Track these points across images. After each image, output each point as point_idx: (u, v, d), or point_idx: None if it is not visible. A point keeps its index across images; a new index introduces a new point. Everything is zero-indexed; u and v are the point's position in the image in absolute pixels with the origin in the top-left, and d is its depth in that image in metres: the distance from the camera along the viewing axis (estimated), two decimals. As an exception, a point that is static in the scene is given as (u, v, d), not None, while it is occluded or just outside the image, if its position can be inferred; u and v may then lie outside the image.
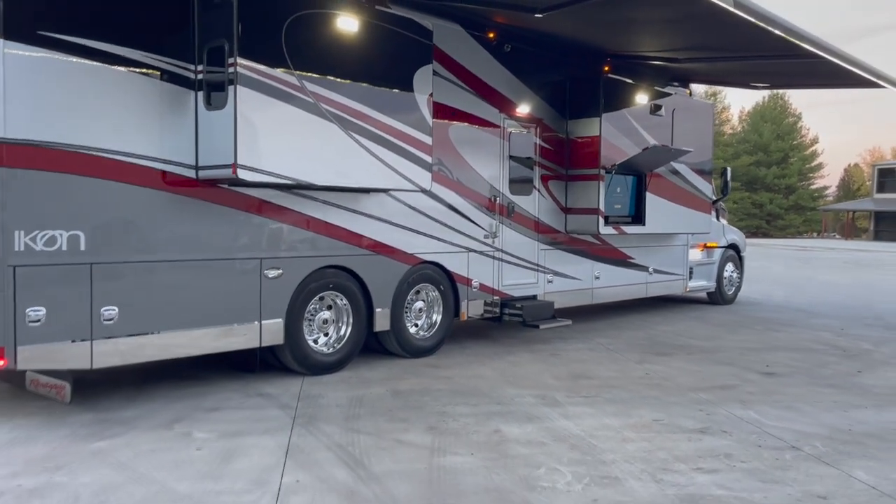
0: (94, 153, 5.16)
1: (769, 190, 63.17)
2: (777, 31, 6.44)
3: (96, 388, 5.99)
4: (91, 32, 5.12)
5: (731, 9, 5.76)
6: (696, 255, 11.69)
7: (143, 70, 5.41)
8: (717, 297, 12.37)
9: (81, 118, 5.10)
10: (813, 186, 66.37)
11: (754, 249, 36.39)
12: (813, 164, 66.24)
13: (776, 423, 5.41)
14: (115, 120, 5.27)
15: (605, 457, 4.59)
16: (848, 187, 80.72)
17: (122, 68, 5.29)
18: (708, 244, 12.00)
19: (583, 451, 4.68)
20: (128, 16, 5.37)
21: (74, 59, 5.05)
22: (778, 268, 23.22)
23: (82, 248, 5.09)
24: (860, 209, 62.80)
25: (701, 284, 11.94)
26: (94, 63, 5.15)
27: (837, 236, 63.89)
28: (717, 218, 12.34)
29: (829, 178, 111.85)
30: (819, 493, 4.07)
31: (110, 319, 5.22)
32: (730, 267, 12.59)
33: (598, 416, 5.49)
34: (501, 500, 3.89)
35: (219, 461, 4.39)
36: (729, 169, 12.21)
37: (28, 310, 4.85)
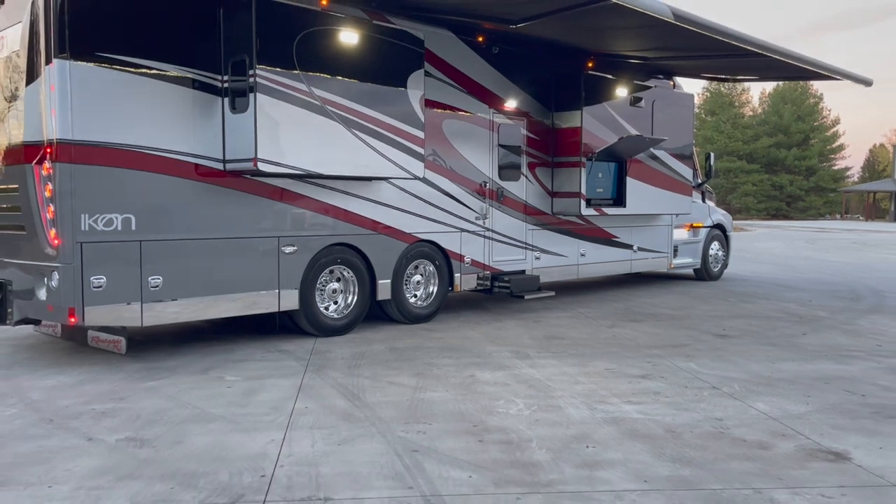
0: (142, 150, 6.31)
1: (789, 172, 63.25)
2: (717, 36, 7.41)
3: (144, 345, 7.22)
4: (138, 52, 6.26)
5: (673, 21, 6.75)
6: (681, 234, 12.65)
7: (180, 81, 6.54)
8: (703, 274, 13.33)
9: (131, 122, 6.25)
10: (835, 168, 66.26)
11: (768, 231, 37.03)
12: (834, 146, 66.09)
13: (709, 371, 6.44)
14: (158, 122, 6.42)
15: (556, 394, 5.67)
16: (873, 168, 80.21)
17: (163, 80, 6.43)
18: (694, 224, 12.95)
19: (538, 390, 5.77)
20: (167, 38, 6.51)
21: (125, 73, 6.20)
22: (782, 248, 23.95)
23: (133, 228, 6.26)
24: (881, 190, 62.63)
25: (686, 262, 12.91)
26: (141, 76, 6.30)
27: (861, 218, 63.82)
28: (703, 200, 13.26)
29: (853, 159, 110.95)
30: (718, 417, 5.11)
31: (156, 286, 6.40)
32: (715, 245, 13.52)
33: (559, 367, 6.56)
34: (463, 419, 5.00)
35: (245, 395, 5.56)
36: (713, 154, 13.08)
37: (92, 278, 6.03)
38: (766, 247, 24.44)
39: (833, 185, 63.93)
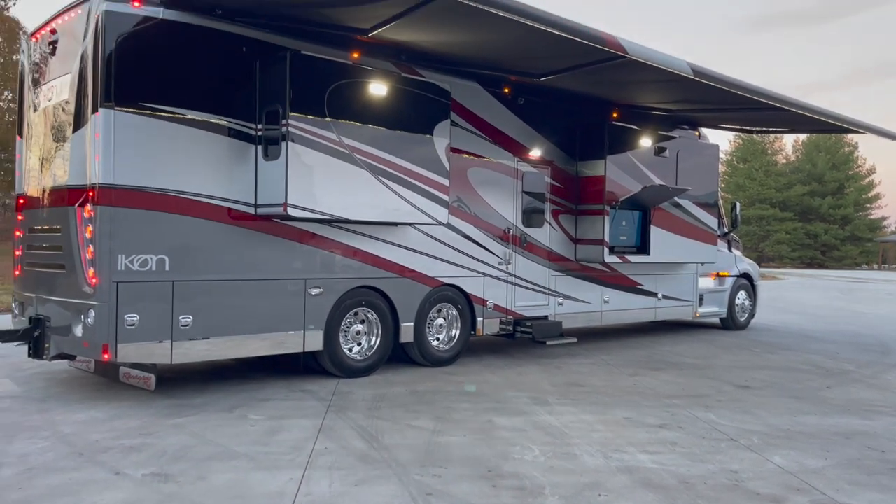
0: (178, 195, 6.61)
1: (824, 220, 62.52)
2: (736, 91, 7.58)
3: (173, 382, 7.43)
4: (179, 102, 6.61)
5: (692, 77, 6.94)
6: (707, 282, 12.63)
7: (217, 129, 6.86)
8: (730, 323, 13.24)
9: (169, 167, 6.56)
10: (871, 217, 65.34)
11: (801, 280, 36.50)
12: (870, 195, 65.29)
13: (728, 422, 6.43)
14: (194, 168, 6.72)
15: (572, 441, 5.72)
16: (912, 218, 78.83)
17: (200, 128, 6.75)
18: (720, 273, 12.92)
19: (555, 437, 5.82)
20: (206, 89, 6.85)
21: (166, 122, 6.54)
22: (814, 298, 23.60)
23: (167, 268, 6.52)
24: (919, 240, 61.36)
25: (712, 311, 12.85)
26: (180, 125, 6.63)
27: (900, 268, 62.57)
28: (730, 249, 13.26)
29: (889, 209, 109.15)
30: (733, 469, 5.11)
31: (186, 325, 6.63)
32: (742, 295, 13.45)
33: (577, 414, 6.61)
34: (479, 465, 5.07)
35: (267, 434, 5.71)
36: (738, 203, 13.14)
37: (126, 315, 6.28)
38: (797, 296, 24.13)
39: (869, 234, 62.95)
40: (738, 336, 12.54)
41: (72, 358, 7.10)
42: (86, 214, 6.31)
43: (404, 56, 8.10)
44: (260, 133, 7.09)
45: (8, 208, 35.29)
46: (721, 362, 9.67)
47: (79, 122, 6.53)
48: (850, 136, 63.20)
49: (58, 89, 6.91)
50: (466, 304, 8.97)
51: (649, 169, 10.59)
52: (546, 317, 9.90)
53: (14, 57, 27.16)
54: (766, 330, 13.59)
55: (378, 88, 7.51)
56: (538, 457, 5.28)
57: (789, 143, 69.55)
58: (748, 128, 13.00)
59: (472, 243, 8.99)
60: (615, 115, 10.48)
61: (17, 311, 7.62)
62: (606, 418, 6.46)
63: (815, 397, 7.60)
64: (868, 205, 65.34)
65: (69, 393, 7.02)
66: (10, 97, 28.37)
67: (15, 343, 7.08)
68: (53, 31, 7.03)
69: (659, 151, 10.78)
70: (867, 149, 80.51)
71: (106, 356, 6.23)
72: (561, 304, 10.10)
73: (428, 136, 8.00)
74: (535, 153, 9.78)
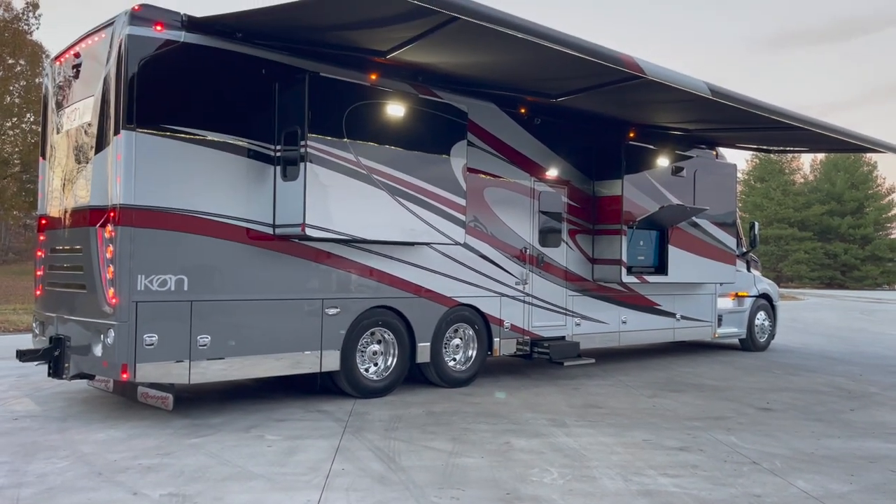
0: (197, 215, 6.66)
1: (844, 240, 61.92)
2: (754, 111, 7.55)
3: (191, 401, 7.44)
4: (199, 123, 6.69)
5: (710, 96, 6.93)
6: (725, 303, 12.51)
7: (236, 150, 6.93)
8: (749, 344, 13.08)
9: (189, 188, 6.63)
10: (892, 237, 64.60)
11: (821, 301, 36.09)
12: (890, 214, 64.63)
13: (750, 445, 6.32)
14: (214, 189, 6.78)
15: (591, 463, 5.65)
16: (933, 237, 77.79)
17: (220, 150, 6.82)
18: (739, 293, 12.80)
19: (573, 459, 5.75)
20: (226, 111, 6.93)
21: (186, 143, 6.61)
22: (835, 319, 23.29)
23: (186, 288, 6.56)
24: (941, 260, 60.52)
25: (731, 331, 12.71)
26: (200, 146, 6.70)
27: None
28: (749, 269, 13.14)
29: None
30: (756, 493, 5.02)
31: (204, 345, 6.65)
32: (761, 315, 13.30)
33: (595, 436, 6.53)
34: (496, 487, 5.02)
35: (284, 454, 5.69)
36: (757, 223, 13.04)
37: (145, 335, 6.32)
38: (817, 317, 23.82)
39: (890, 254, 62.18)
40: (758, 357, 12.38)
41: (91, 377, 7.15)
42: (107, 235, 6.38)
43: (421, 77, 8.15)
44: (278, 154, 7.15)
45: (30, 229, 35.79)
46: (741, 384, 9.54)
47: (101, 143, 6.62)
48: (868, 155, 62.74)
49: (80, 112, 7.02)
50: (483, 325, 8.94)
51: (667, 188, 10.55)
52: (563, 337, 9.84)
53: (37, 80, 27.71)
54: (786, 351, 13.41)
55: (395, 109, 7.56)
56: (557, 479, 5.21)
57: (807, 163, 69.18)
58: (766, 147, 12.93)
59: (488, 263, 8.98)
60: (632, 134, 10.47)
61: (37, 331, 7.69)
62: (625, 440, 6.38)
63: (839, 420, 7.47)
64: (888, 224, 64.69)
65: (88, 412, 7.05)
66: (32, 119, 28.90)
67: (35, 362, 7.15)
68: (77, 55, 7.16)
69: (676, 171, 10.75)
70: (886, 167, 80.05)
71: (125, 376, 6.26)
72: (578, 325, 10.04)
73: (445, 156, 8.03)
74: (552, 173, 9.78)
